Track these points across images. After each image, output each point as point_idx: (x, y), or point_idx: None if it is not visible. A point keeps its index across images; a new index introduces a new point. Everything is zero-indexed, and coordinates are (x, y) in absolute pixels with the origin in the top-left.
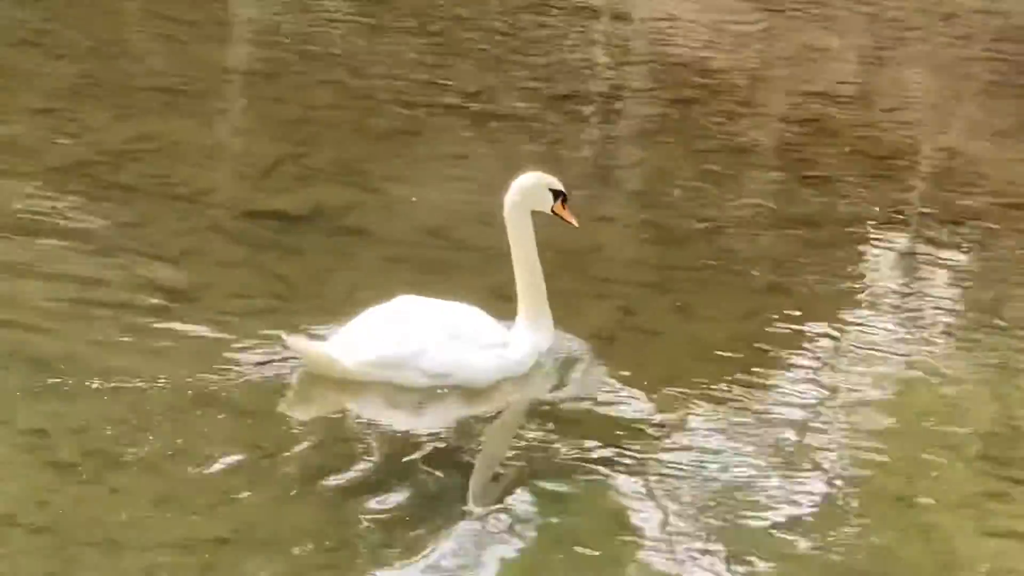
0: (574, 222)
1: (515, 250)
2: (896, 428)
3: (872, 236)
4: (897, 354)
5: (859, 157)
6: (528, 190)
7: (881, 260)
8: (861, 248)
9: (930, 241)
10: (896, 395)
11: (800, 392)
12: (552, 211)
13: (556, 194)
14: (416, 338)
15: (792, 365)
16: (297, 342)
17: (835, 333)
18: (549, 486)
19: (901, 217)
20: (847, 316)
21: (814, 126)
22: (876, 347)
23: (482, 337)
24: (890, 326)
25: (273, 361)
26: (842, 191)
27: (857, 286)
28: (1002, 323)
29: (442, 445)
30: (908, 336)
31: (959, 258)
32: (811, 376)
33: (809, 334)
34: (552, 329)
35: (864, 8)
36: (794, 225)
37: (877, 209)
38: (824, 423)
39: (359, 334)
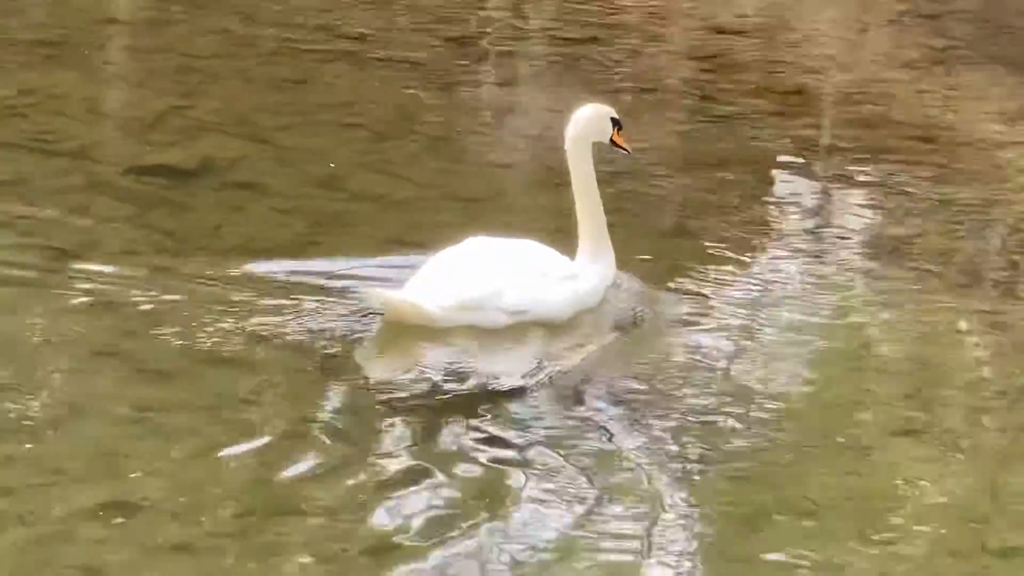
0: (629, 149)
1: (577, 184)
2: (810, 372)
3: (782, 174)
4: (810, 294)
5: (766, 93)
6: (591, 121)
7: (792, 199)
8: (770, 187)
9: (841, 177)
10: (810, 337)
11: (714, 334)
12: (611, 140)
13: (614, 122)
14: (494, 277)
15: (703, 309)
16: (380, 293)
17: (745, 274)
18: None
19: (811, 153)
20: (758, 257)
21: (719, 62)
22: (787, 287)
23: (555, 272)
24: (802, 266)
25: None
26: (749, 128)
27: (767, 226)
28: (913, 260)
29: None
30: (820, 275)
31: (871, 194)
32: (723, 319)
33: (719, 276)
34: (614, 261)
35: None
36: (701, 165)
37: (786, 146)
38: (739, 367)
39: (436, 279)
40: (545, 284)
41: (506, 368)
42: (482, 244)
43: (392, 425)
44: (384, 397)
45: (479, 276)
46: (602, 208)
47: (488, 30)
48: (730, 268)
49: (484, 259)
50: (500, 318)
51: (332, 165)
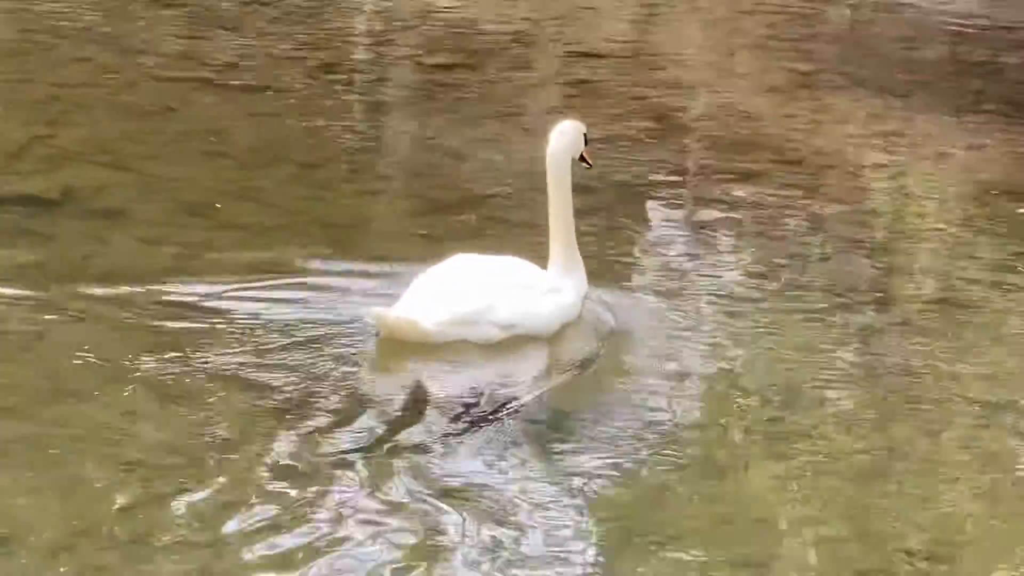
0: (592, 164)
1: (555, 196)
2: (679, 397)
3: (649, 199)
4: (677, 317)
5: (633, 117)
6: (572, 136)
7: (661, 222)
8: (638, 212)
9: (709, 201)
10: (679, 360)
11: (581, 353)
12: (580, 156)
13: (585, 139)
14: (485, 293)
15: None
16: (377, 312)
17: (613, 299)
18: None
19: (679, 177)
20: (625, 283)
21: (586, 87)
22: (656, 311)
23: (539, 286)
24: (670, 290)
25: None
26: (617, 154)
27: (635, 252)
28: (782, 281)
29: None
30: (689, 298)
31: (739, 216)
32: (591, 343)
33: (587, 301)
34: (584, 273)
35: None
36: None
37: (654, 169)
38: (607, 388)
39: (427, 297)
40: (533, 298)
41: (456, 395)
42: (468, 260)
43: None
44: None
45: (471, 292)
46: (573, 221)
47: (354, 57)
48: (599, 293)
49: (473, 275)
50: (493, 333)
51: (218, 202)
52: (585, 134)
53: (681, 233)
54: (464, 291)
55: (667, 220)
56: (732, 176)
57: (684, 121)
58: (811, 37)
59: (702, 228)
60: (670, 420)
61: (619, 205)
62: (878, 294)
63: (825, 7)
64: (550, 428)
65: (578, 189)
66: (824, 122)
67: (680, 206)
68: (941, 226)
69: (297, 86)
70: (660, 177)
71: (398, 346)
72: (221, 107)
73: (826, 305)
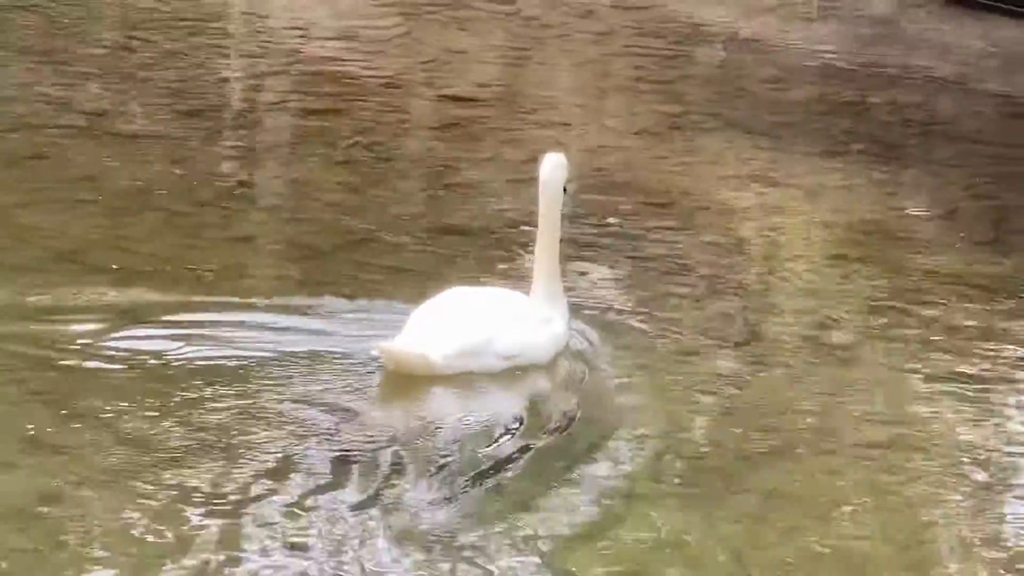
0: (570, 192)
1: (545, 226)
2: (536, 439)
3: (521, 242)
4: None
5: (504, 161)
6: (561, 167)
7: (533, 266)
8: (510, 255)
9: (580, 244)
10: (547, 401)
11: (449, 395)
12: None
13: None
14: (487, 324)
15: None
16: (386, 346)
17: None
18: None
19: None
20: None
21: (457, 131)
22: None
23: (533, 316)
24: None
25: None
26: (489, 196)
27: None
28: (652, 323)
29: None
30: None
31: (609, 259)
32: (456, 385)
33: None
34: (566, 302)
35: (502, 8)
36: (441, 234)
37: (524, 213)
38: (473, 435)
39: (431, 329)
40: (531, 328)
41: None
42: (465, 293)
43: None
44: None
45: (474, 324)
46: (559, 251)
47: (225, 102)
48: None
49: (473, 307)
50: (496, 363)
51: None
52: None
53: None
54: (467, 323)
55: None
56: (603, 217)
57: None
58: (681, 79)
59: (573, 268)
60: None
61: (490, 247)
62: (749, 334)
63: (694, 49)
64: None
65: (450, 230)
66: (694, 163)
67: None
68: (811, 266)
69: (168, 132)
70: (532, 220)
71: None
72: (92, 154)
73: (697, 345)
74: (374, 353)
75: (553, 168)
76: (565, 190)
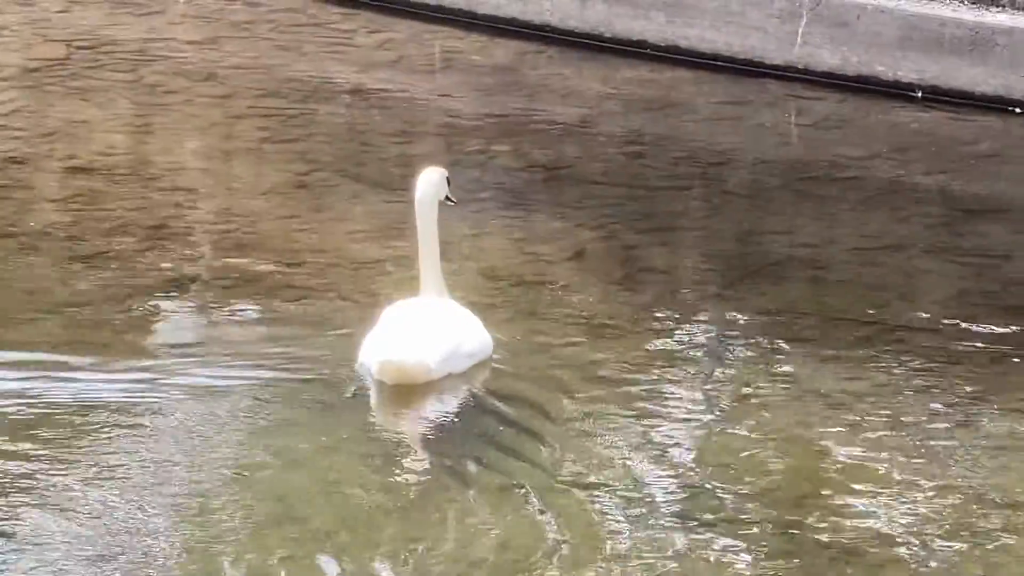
0: (456, 201)
1: (424, 237)
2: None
3: (157, 309)
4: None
5: (133, 229)
6: (438, 183)
7: (170, 333)
8: (144, 320)
9: (215, 308)
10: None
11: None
12: (446, 197)
13: (448, 181)
14: (455, 327)
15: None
16: (383, 357)
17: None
18: None
19: (182, 287)
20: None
21: (82, 202)
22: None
23: (470, 318)
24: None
25: None
26: (119, 266)
27: (149, 361)
28: (296, 382)
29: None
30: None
31: (246, 323)
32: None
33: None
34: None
35: (123, 76)
36: (70, 306)
37: (158, 281)
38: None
39: (412, 338)
40: (476, 327)
41: None
42: (410, 305)
43: None
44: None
45: (443, 329)
46: (439, 261)
47: None
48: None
49: (431, 315)
50: (466, 363)
51: None
52: (448, 178)
53: (189, 342)
54: (439, 329)
55: (176, 328)
56: (235, 281)
57: (183, 229)
58: (306, 137)
59: (209, 338)
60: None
61: (121, 316)
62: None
63: (318, 107)
64: None
65: (77, 303)
66: (324, 220)
67: (185, 315)
68: None
69: None
70: (164, 286)
71: None
72: None
73: (339, 401)
74: (368, 367)
75: (427, 185)
76: (450, 200)
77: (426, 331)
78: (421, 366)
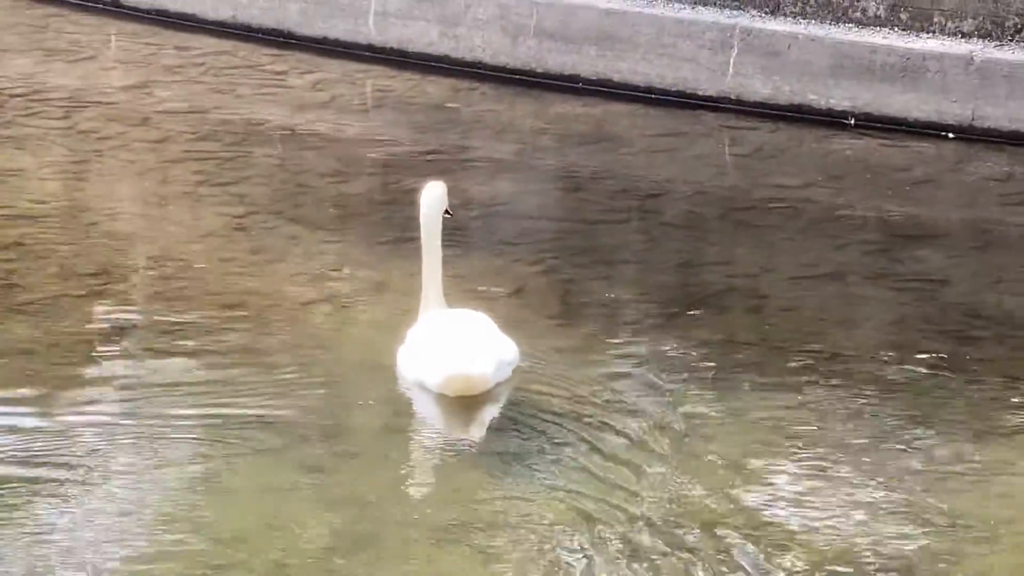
0: (452, 213)
1: (427, 250)
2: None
3: (83, 357)
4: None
5: (71, 276)
6: (440, 197)
7: (112, 380)
8: (82, 366)
9: (156, 353)
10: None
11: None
12: (446, 211)
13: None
14: (496, 338)
15: None
16: (453, 374)
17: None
18: None
19: (121, 333)
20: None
21: (20, 250)
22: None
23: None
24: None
25: None
26: (58, 315)
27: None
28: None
29: None
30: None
31: (188, 368)
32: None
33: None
34: None
35: (57, 124)
36: (13, 355)
37: (95, 329)
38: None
39: (463, 351)
40: (505, 338)
41: None
42: (447, 317)
43: None
44: None
45: (489, 340)
46: (440, 273)
47: None
48: None
49: (473, 328)
50: (506, 372)
51: None
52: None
53: (129, 386)
54: (486, 341)
55: (114, 376)
56: (175, 326)
57: (121, 275)
58: (242, 179)
59: (149, 383)
60: None
61: (59, 366)
62: (330, 423)
63: (252, 149)
64: None
65: (17, 351)
66: (261, 263)
67: (126, 360)
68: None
69: None
70: (102, 335)
71: None
72: None
73: (282, 443)
74: (419, 380)
75: (431, 199)
76: (450, 213)
77: (478, 343)
78: (483, 377)
